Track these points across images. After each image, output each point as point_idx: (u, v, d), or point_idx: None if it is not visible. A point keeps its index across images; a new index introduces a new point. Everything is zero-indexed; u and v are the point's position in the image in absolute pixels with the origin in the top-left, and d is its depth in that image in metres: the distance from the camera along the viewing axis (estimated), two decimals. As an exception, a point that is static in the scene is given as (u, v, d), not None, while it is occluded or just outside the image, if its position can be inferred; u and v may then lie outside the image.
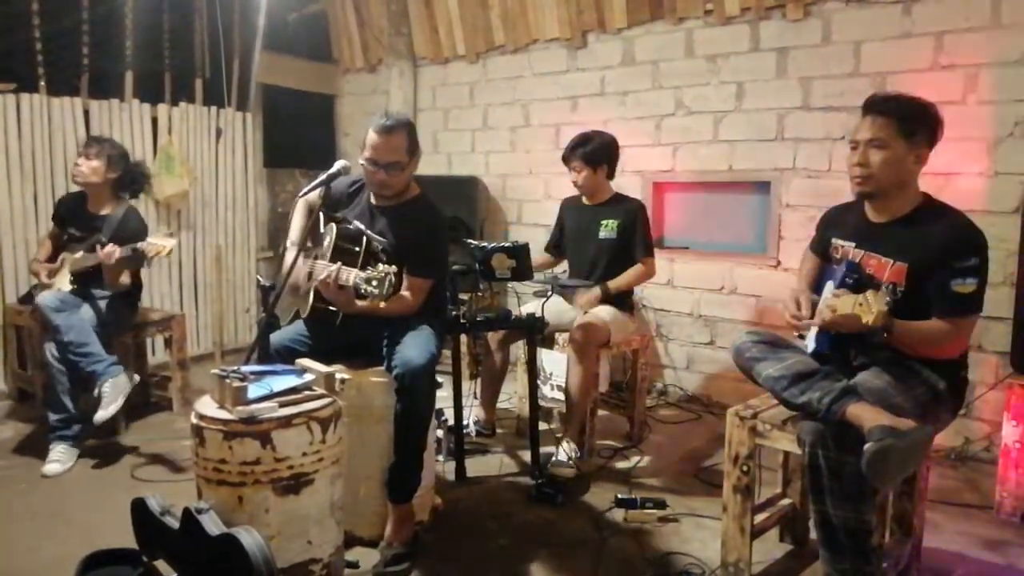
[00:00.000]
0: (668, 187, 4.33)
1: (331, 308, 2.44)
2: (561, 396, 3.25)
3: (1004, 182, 3.18)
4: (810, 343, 2.08)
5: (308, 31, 5.63)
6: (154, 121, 4.57)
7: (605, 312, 3.22)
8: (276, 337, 2.51)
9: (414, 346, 2.35)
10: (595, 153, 3.30)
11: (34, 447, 3.22)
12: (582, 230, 3.45)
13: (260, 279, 2.43)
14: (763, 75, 3.82)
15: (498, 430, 3.54)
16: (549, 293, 3.36)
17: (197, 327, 4.91)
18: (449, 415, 3.06)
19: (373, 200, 2.63)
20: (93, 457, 3.14)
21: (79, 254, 3.25)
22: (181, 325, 3.85)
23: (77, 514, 2.66)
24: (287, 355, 2.39)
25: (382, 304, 2.20)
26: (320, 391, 2.05)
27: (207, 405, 1.96)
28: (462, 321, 2.90)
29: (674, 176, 4.23)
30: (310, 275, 2.51)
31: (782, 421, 2.07)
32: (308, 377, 2.07)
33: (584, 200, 3.46)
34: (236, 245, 5.12)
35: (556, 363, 3.31)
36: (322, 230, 2.59)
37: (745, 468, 2.13)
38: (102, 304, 3.18)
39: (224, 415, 1.88)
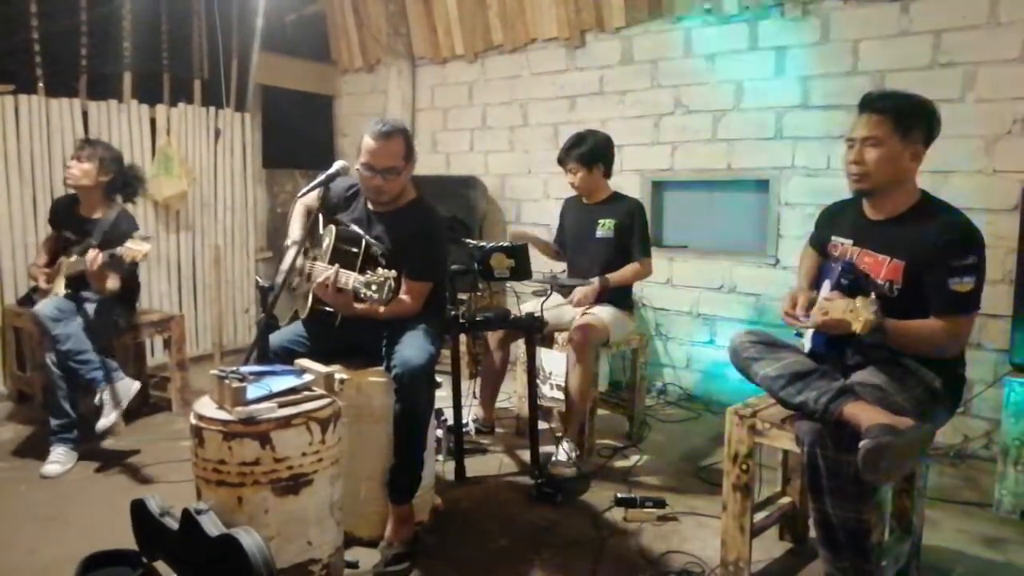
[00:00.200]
0: (667, 186, 4.33)
1: (329, 309, 2.44)
2: (560, 396, 3.25)
3: (1003, 180, 3.18)
4: (807, 342, 2.09)
5: (306, 32, 5.63)
6: (153, 122, 4.57)
7: (604, 312, 3.22)
8: (275, 338, 2.51)
9: (413, 346, 2.35)
10: (590, 153, 3.30)
11: (34, 448, 3.22)
12: (580, 229, 3.45)
13: (259, 280, 2.42)
14: (762, 74, 3.82)
15: (497, 430, 3.54)
16: (548, 292, 3.36)
17: (196, 328, 4.91)
18: (449, 415, 3.06)
19: (370, 205, 2.63)
20: (93, 458, 3.14)
21: (73, 258, 3.24)
22: (180, 326, 3.84)
23: (77, 515, 2.66)
24: (286, 356, 2.38)
25: (381, 309, 2.20)
26: (319, 391, 2.04)
27: (206, 406, 1.96)
28: (461, 321, 2.90)
29: (673, 175, 4.23)
30: (309, 276, 2.51)
31: (781, 420, 2.07)
32: (307, 377, 2.07)
33: (583, 199, 3.47)
34: (235, 246, 5.12)
35: (555, 363, 3.31)
36: (321, 231, 2.59)
37: (744, 467, 2.13)
38: (90, 309, 3.16)
39: (223, 416, 1.88)
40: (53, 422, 3.08)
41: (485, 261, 2.98)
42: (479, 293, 3.28)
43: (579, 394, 3.10)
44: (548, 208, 4.61)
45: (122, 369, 3.24)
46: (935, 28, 3.30)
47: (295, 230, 2.66)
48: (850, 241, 2.14)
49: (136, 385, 3.18)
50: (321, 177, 2.43)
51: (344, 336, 2.52)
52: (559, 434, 3.22)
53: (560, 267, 3.69)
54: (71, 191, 3.40)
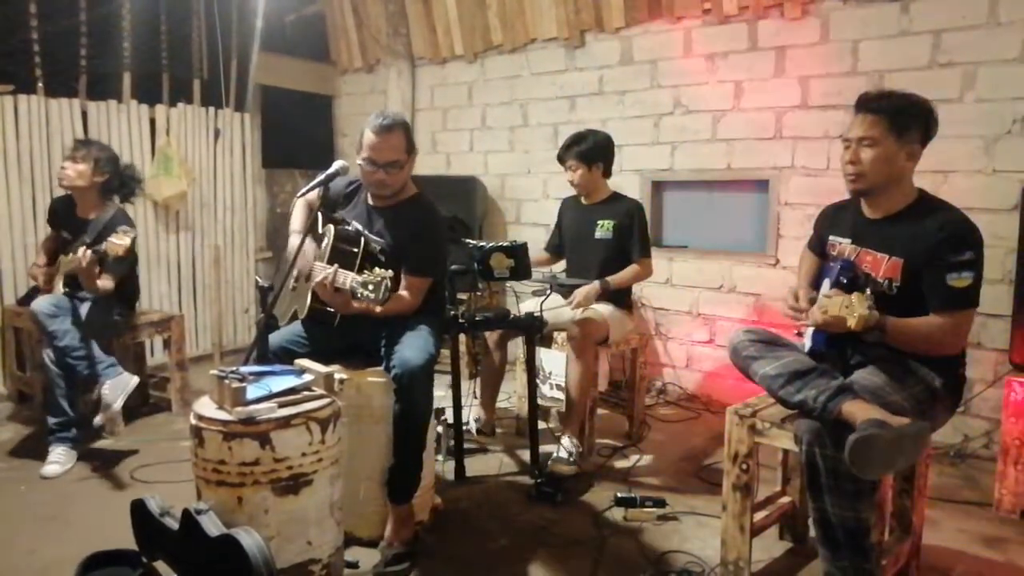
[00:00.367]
0: (667, 186, 4.33)
1: (329, 309, 2.44)
2: (560, 395, 3.25)
3: (1002, 180, 3.18)
4: (807, 341, 2.09)
5: (306, 32, 5.63)
6: (152, 122, 4.57)
7: (604, 309, 3.22)
8: (274, 338, 2.51)
9: (412, 346, 2.35)
10: (591, 151, 3.31)
11: (33, 449, 3.22)
12: (579, 230, 3.46)
13: (259, 280, 2.42)
14: (761, 74, 3.82)
15: (497, 429, 3.54)
16: (547, 292, 3.36)
17: (196, 328, 4.91)
18: (448, 414, 3.06)
19: (371, 200, 2.63)
20: (92, 458, 3.14)
21: (69, 257, 3.24)
22: (180, 326, 3.85)
23: (76, 515, 2.66)
24: (285, 356, 2.38)
25: (378, 308, 2.20)
26: (319, 391, 2.04)
27: (206, 406, 1.96)
28: (461, 320, 2.90)
29: (673, 175, 4.23)
30: (308, 276, 2.52)
31: (781, 419, 2.07)
32: (307, 377, 2.07)
33: (582, 199, 3.47)
34: (235, 246, 5.12)
35: (555, 362, 3.31)
36: (320, 231, 2.59)
37: (744, 466, 2.13)
38: (83, 308, 3.15)
39: (223, 416, 1.88)
40: (51, 421, 3.08)
41: (485, 261, 2.98)
42: (479, 293, 3.27)
43: (579, 390, 3.10)
44: (548, 208, 4.61)
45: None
46: (935, 28, 3.30)
47: (298, 222, 2.68)
48: (849, 240, 2.15)
49: (135, 380, 3.16)
50: (320, 177, 2.43)
51: (343, 336, 2.52)
52: (558, 433, 3.22)
53: (560, 267, 3.69)
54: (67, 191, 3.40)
